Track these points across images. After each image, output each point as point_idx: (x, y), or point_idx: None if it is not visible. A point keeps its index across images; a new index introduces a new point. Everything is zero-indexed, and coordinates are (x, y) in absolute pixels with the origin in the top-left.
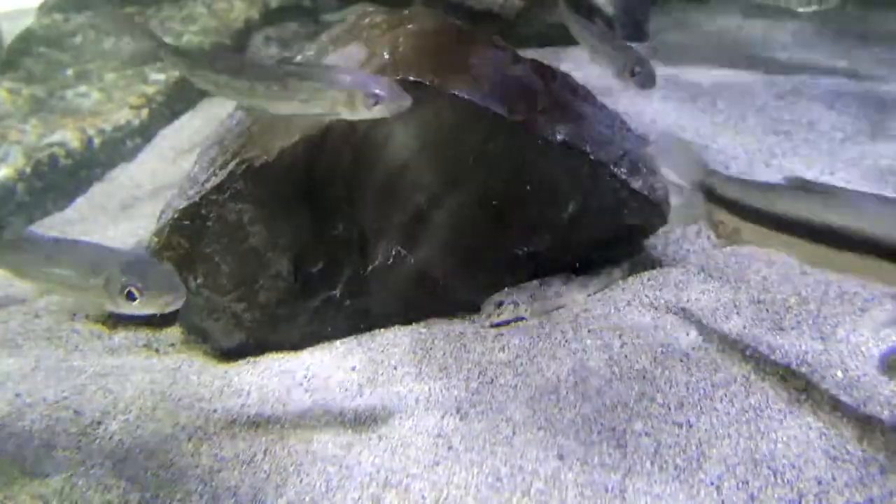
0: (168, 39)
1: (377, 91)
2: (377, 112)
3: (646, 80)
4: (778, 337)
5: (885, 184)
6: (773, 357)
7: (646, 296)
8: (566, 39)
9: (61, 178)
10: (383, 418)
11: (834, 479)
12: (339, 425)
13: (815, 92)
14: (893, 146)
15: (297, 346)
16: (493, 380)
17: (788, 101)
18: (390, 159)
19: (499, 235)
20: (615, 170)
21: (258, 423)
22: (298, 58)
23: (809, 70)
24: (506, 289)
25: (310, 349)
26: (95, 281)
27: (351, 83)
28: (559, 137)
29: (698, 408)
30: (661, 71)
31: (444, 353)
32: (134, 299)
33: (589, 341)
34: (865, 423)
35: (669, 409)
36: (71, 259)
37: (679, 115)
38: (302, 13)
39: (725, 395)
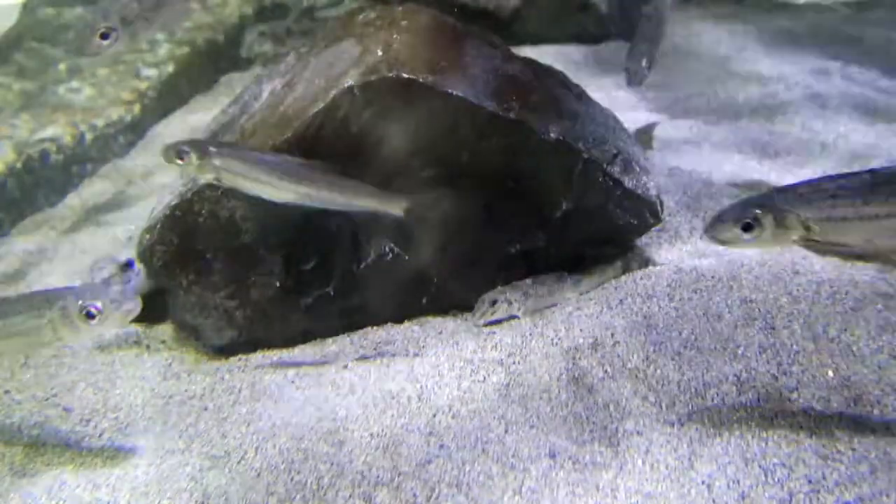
0: (161, 35)
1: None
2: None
3: None
4: (769, 336)
5: None
6: (763, 356)
7: (638, 294)
8: (560, 38)
9: (52, 174)
10: (375, 416)
11: (824, 477)
12: (331, 423)
13: None
14: None
15: (289, 343)
16: (485, 378)
17: None
18: (384, 157)
19: (492, 233)
20: (609, 168)
21: (249, 420)
22: (290, 55)
23: None
24: (499, 287)
25: (302, 346)
26: (51, 314)
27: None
28: (553, 136)
29: (689, 407)
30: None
31: (436, 352)
32: (93, 317)
33: (581, 340)
34: (856, 422)
35: (661, 407)
36: (17, 307)
37: None
38: (296, 9)
39: (717, 394)
